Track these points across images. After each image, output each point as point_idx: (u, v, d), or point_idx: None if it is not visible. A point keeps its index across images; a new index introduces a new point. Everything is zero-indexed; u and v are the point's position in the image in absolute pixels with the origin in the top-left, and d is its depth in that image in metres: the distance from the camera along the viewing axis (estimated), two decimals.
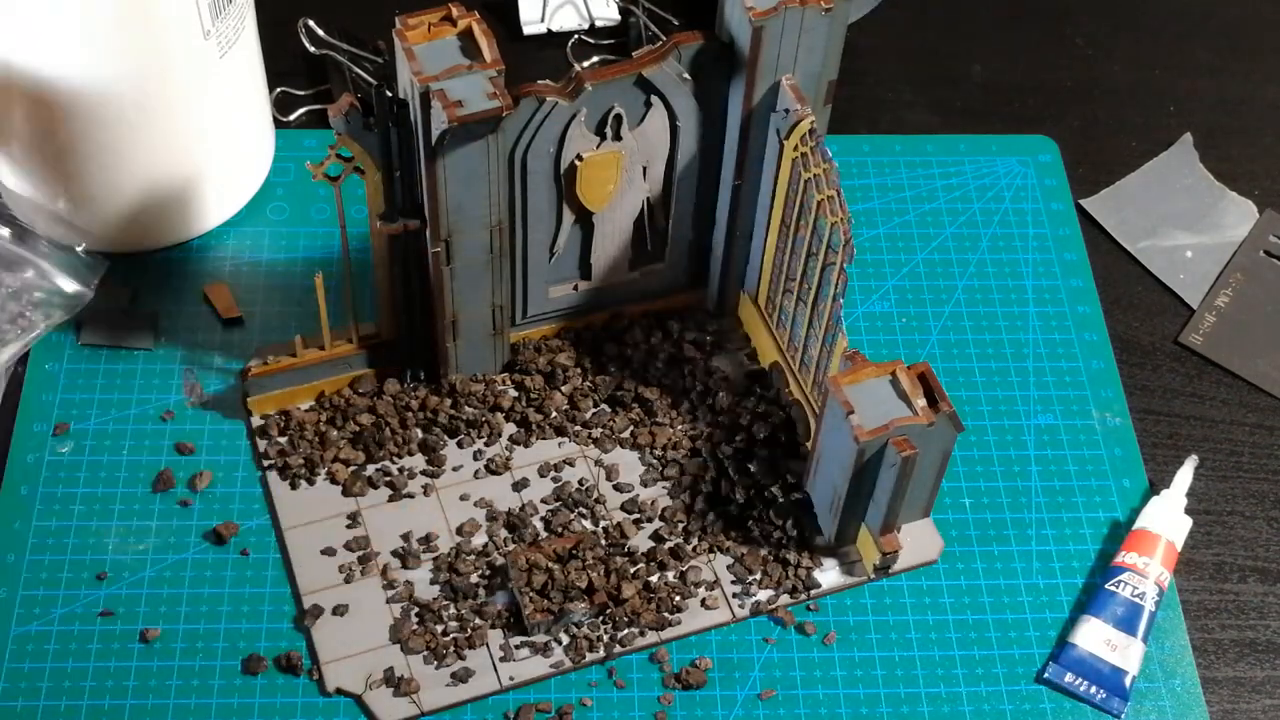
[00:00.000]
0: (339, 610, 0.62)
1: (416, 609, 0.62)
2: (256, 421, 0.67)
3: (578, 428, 0.68)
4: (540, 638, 0.62)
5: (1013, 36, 0.88)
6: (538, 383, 0.69)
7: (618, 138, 0.62)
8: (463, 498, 0.66)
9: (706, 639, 0.63)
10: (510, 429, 0.68)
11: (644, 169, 0.65)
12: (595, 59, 0.84)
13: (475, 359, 0.68)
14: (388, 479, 0.66)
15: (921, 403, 0.59)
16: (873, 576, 0.65)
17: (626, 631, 0.62)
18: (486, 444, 0.67)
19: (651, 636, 0.62)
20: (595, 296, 0.70)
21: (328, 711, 0.60)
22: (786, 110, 0.61)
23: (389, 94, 0.58)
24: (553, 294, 0.69)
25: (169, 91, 0.67)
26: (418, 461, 0.66)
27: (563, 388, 0.69)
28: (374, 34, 0.81)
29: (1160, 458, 0.70)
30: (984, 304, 0.75)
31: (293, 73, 0.81)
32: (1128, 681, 0.62)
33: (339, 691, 0.60)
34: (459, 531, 0.64)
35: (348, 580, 0.63)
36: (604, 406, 0.69)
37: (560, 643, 0.62)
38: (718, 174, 0.66)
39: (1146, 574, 0.63)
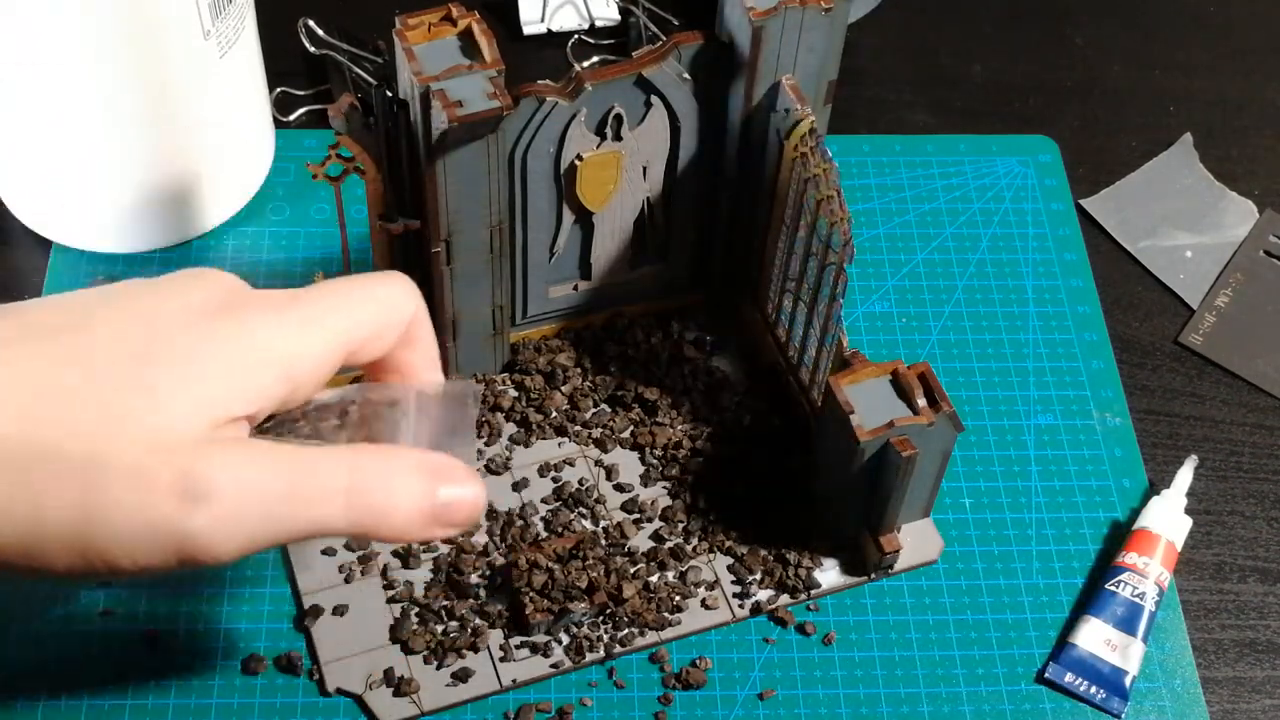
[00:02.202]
0: (339, 610, 0.62)
1: (416, 609, 0.62)
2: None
3: (578, 428, 0.68)
4: (540, 638, 0.62)
5: (1013, 36, 0.88)
6: (538, 383, 0.69)
7: (618, 138, 0.62)
8: None
9: (706, 639, 0.63)
10: (510, 429, 0.68)
11: (644, 169, 0.65)
12: (595, 59, 0.84)
13: (475, 359, 0.68)
14: None
15: (922, 403, 0.59)
16: (873, 576, 0.65)
17: (626, 631, 0.62)
18: (486, 444, 0.67)
19: (651, 636, 0.62)
20: (595, 296, 0.70)
21: (328, 711, 0.60)
22: (786, 110, 0.61)
23: (389, 94, 0.58)
24: (553, 294, 0.69)
25: (169, 91, 0.67)
26: None
27: (563, 388, 0.69)
28: (374, 34, 0.81)
29: (1160, 458, 0.70)
30: (984, 304, 0.75)
31: (293, 73, 0.81)
32: (1128, 681, 0.62)
33: (339, 691, 0.60)
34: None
35: (348, 580, 0.63)
36: (604, 406, 0.69)
37: (560, 643, 0.62)
38: (718, 174, 0.66)
39: (1146, 574, 0.63)
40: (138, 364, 0.43)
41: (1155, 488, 0.68)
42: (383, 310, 0.49)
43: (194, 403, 0.43)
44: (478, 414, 0.53)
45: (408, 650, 0.61)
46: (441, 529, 0.47)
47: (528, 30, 0.84)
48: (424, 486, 0.47)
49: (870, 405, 0.59)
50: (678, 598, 0.63)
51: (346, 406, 0.50)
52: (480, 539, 0.64)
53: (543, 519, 0.65)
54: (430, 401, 0.50)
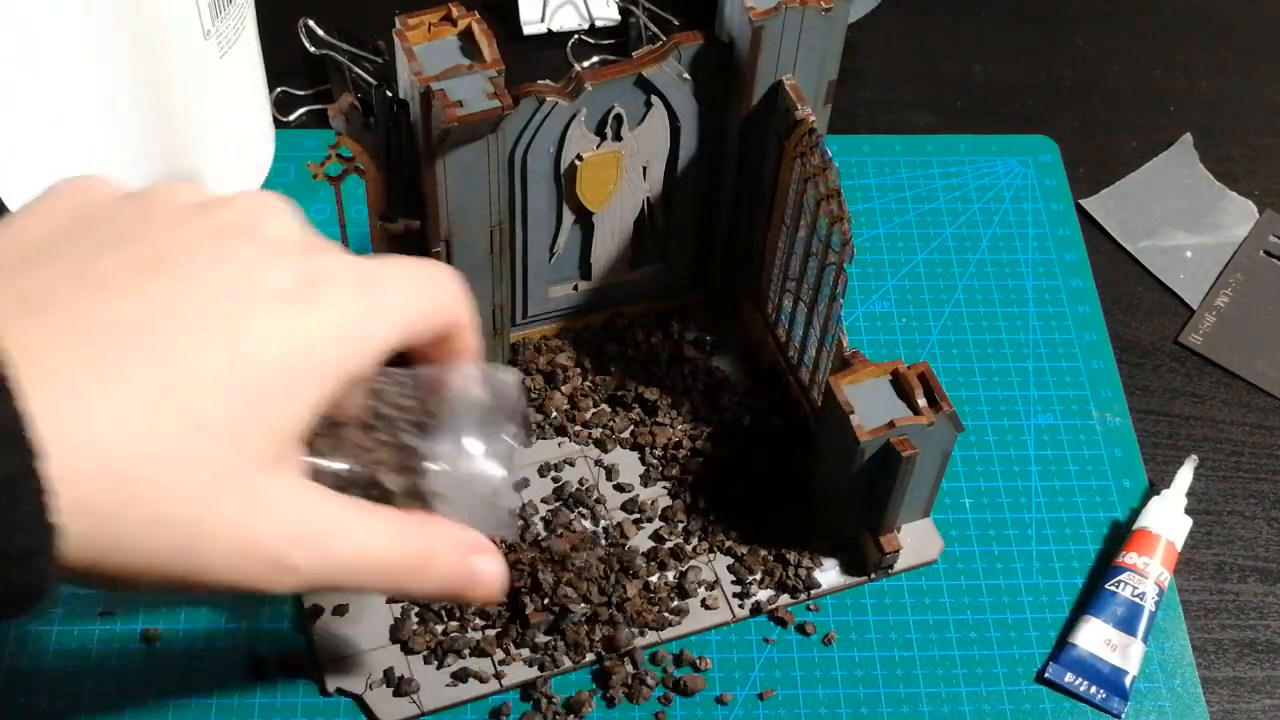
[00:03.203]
0: (339, 610, 0.62)
1: (416, 609, 0.62)
2: None
3: (578, 428, 0.68)
4: (540, 638, 0.62)
5: (1013, 36, 0.88)
6: (538, 383, 0.69)
7: (618, 138, 0.62)
8: None
9: (706, 639, 0.63)
10: (510, 429, 0.68)
11: (644, 169, 0.65)
12: (595, 59, 0.84)
13: None
14: None
15: (922, 403, 0.59)
16: (873, 576, 0.65)
17: (626, 631, 0.62)
18: None
19: (651, 636, 0.62)
20: (595, 296, 0.70)
21: (328, 711, 0.60)
22: (786, 110, 0.61)
23: (389, 94, 0.58)
24: (553, 294, 0.69)
25: (169, 91, 0.67)
26: None
27: (563, 388, 0.69)
28: (374, 34, 0.81)
29: (1160, 458, 0.70)
30: (984, 304, 0.75)
31: (293, 73, 0.81)
32: (1128, 681, 0.62)
33: (339, 691, 0.60)
34: None
35: None
36: (604, 406, 0.69)
37: (560, 643, 0.62)
38: (718, 174, 0.66)
39: (1146, 574, 0.63)
40: (227, 393, 0.39)
41: (1155, 488, 0.68)
42: (443, 300, 0.47)
43: (274, 436, 0.41)
44: (524, 404, 0.51)
45: (408, 650, 0.61)
46: (469, 593, 0.48)
47: (528, 30, 0.84)
48: (459, 557, 0.47)
49: (870, 405, 0.59)
50: (678, 598, 0.63)
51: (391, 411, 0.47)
52: None
53: (543, 519, 0.65)
54: (478, 386, 0.49)
